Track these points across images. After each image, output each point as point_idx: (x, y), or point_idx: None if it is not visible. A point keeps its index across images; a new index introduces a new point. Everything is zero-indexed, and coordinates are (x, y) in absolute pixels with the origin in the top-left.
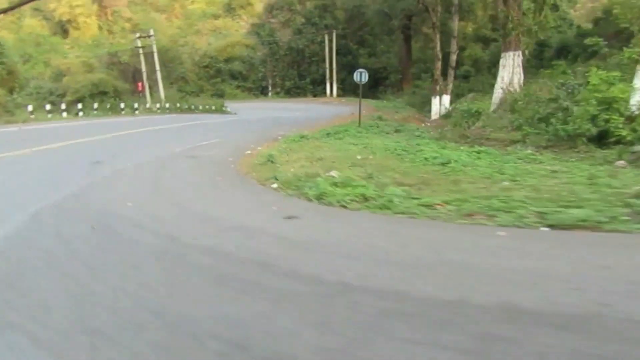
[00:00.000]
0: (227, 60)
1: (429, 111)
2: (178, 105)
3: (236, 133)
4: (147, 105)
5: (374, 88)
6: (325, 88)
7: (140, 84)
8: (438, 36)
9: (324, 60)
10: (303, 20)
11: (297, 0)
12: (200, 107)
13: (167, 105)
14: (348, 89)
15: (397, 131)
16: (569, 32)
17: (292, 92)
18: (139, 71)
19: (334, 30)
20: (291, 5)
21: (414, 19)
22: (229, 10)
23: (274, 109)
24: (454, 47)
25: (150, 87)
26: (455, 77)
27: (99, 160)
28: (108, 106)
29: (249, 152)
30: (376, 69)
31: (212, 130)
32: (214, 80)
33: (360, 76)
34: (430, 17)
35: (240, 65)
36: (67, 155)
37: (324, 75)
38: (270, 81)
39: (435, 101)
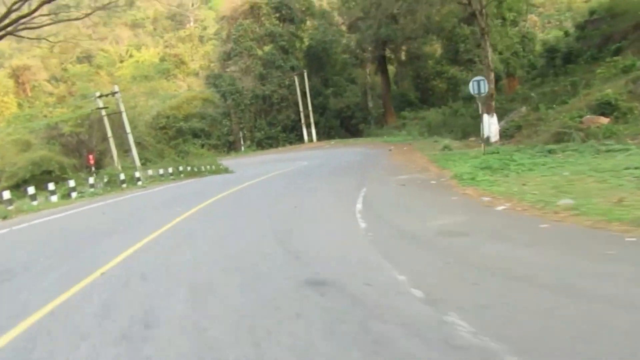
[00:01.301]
0: (186, 118)
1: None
2: (170, 170)
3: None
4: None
5: (342, 128)
6: (299, 134)
7: (91, 155)
8: (488, 43)
9: (294, 105)
10: (262, 65)
11: (256, 44)
12: (203, 168)
13: (151, 172)
14: (322, 131)
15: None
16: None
17: (264, 143)
18: (83, 142)
19: (304, 71)
20: (250, 50)
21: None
22: (162, 72)
23: (274, 161)
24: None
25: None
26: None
27: None
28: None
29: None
30: (341, 109)
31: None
32: (174, 141)
33: (479, 86)
34: (477, 22)
35: (201, 122)
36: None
37: (295, 121)
38: (241, 134)
39: (491, 120)
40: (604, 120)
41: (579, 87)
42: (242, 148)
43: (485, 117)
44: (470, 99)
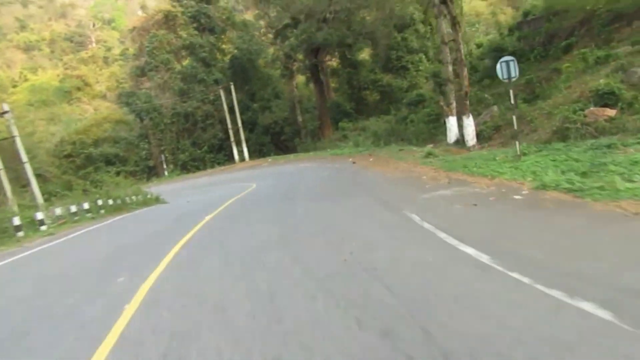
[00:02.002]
0: (96, 144)
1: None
2: (86, 206)
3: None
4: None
5: (272, 144)
6: (228, 154)
7: None
8: (460, 35)
9: (220, 122)
10: (182, 79)
11: (173, 57)
12: (129, 200)
13: (60, 211)
14: (254, 149)
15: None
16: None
17: (189, 165)
18: None
19: (230, 84)
20: (167, 64)
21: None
22: (63, 95)
23: (210, 185)
24: (447, 57)
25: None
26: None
27: None
28: None
29: None
30: (269, 124)
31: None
32: (84, 170)
33: (509, 69)
34: (448, 10)
35: (115, 147)
36: None
37: (223, 139)
38: (163, 157)
39: (467, 121)
40: (611, 112)
41: (557, 81)
42: (166, 173)
43: (452, 119)
44: (418, 103)
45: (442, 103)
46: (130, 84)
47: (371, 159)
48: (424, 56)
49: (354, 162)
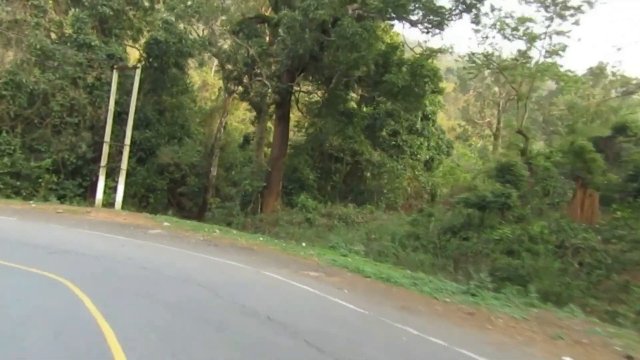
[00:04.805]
0: None
1: None
2: None
3: None
4: None
5: (169, 196)
6: (89, 186)
7: None
8: None
9: (92, 127)
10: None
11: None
12: None
13: None
14: (134, 192)
15: None
16: None
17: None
18: None
19: (138, 66)
20: None
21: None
22: None
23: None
24: None
25: None
26: None
27: None
28: None
29: None
30: (168, 165)
31: None
32: None
33: None
34: None
35: None
36: None
37: (87, 159)
38: None
39: None
40: None
41: None
42: None
43: None
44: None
45: None
46: None
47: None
48: (425, 142)
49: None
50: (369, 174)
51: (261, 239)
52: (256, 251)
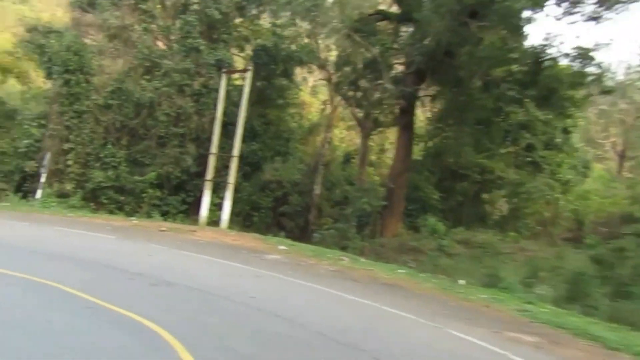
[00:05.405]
0: None
1: None
2: None
3: None
4: None
5: (271, 215)
6: (192, 202)
7: None
8: None
9: (198, 138)
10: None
11: (161, 7)
12: None
13: None
14: (239, 210)
15: None
16: None
17: (105, 196)
18: None
19: (249, 69)
20: (143, 4)
21: None
22: None
23: None
24: None
25: None
26: None
27: None
28: None
29: None
30: (269, 183)
31: None
32: None
33: None
34: None
35: None
36: None
37: (191, 173)
38: (45, 163)
39: None
40: None
41: None
42: (38, 194)
43: None
44: None
45: None
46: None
47: None
48: (565, 159)
49: None
50: (502, 195)
51: (402, 271)
52: (409, 291)
